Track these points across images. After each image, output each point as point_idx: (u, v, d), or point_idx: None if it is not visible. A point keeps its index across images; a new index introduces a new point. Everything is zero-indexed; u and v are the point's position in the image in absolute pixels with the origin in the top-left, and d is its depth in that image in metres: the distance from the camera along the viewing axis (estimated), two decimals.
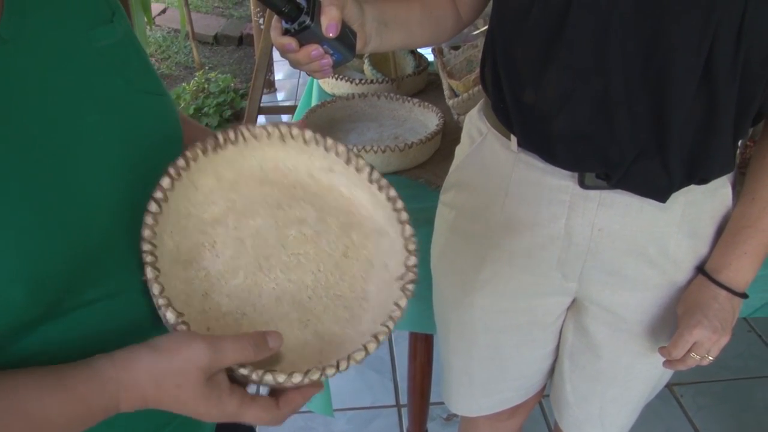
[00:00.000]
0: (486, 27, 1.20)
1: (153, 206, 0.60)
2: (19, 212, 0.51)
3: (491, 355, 1.16)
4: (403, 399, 2.12)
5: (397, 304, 0.63)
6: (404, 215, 0.67)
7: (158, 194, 0.60)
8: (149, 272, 0.58)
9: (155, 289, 0.58)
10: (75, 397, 0.53)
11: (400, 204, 0.68)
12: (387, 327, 0.62)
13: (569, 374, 1.17)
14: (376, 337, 0.61)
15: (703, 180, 0.90)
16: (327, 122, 1.65)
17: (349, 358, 0.59)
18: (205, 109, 3.55)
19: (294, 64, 0.82)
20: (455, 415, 1.34)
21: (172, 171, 0.61)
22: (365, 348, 0.60)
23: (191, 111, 3.54)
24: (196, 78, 3.72)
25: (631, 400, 1.15)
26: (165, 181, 0.61)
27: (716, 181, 0.92)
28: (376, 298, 0.67)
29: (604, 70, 0.82)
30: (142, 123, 0.63)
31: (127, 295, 0.62)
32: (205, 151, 0.64)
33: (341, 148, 0.68)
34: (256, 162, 0.69)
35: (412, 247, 0.66)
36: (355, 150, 1.35)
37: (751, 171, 0.93)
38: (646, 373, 1.10)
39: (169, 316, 0.57)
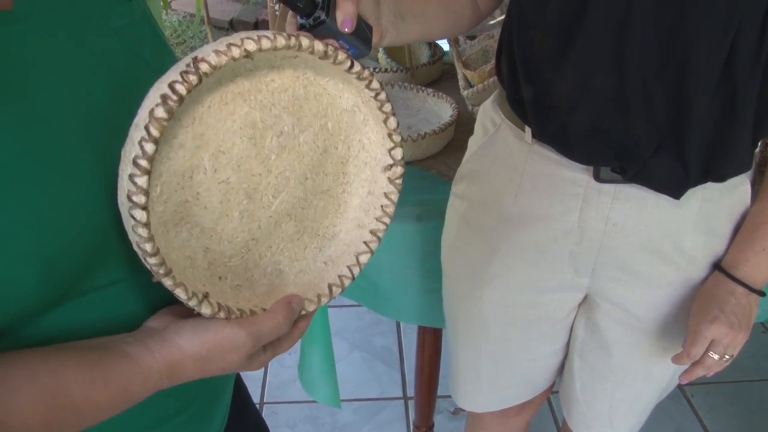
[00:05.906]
0: (503, 17, 1.18)
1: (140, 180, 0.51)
2: (32, 193, 0.50)
3: (500, 349, 1.15)
4: (411, 391, 2.11)
5: (389, 198, 0.65)
6: (388, 106, 0.62)
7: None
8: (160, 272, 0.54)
9: (181, 293, 0.56)
10: (118, 387, 0.55)
11: (381, 94, 0.62)
12: (384, 223, 0.64)
13: (579, 372, 1.15)
14: (374, 233, 0.64)
15: (720, 178, 0.88)
16: None
17: (358, 256, 0.62)
18: None
19: None
20: (462, 410, 1.34)
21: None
22: (368, 246, 0.63)
23: None
24: None
25: (642, 399, 1.13)
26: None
27: (735, 178, 0.90)
28: (357, 179, 0.68)
29: (623, 61, 0.80)
30: None
31: (137, 278, 0.62)
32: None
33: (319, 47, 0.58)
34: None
35: (397, 138, 0.64)
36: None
37: None
38: (658, 373, 1.08)
39: (204, 311, 0.58)
